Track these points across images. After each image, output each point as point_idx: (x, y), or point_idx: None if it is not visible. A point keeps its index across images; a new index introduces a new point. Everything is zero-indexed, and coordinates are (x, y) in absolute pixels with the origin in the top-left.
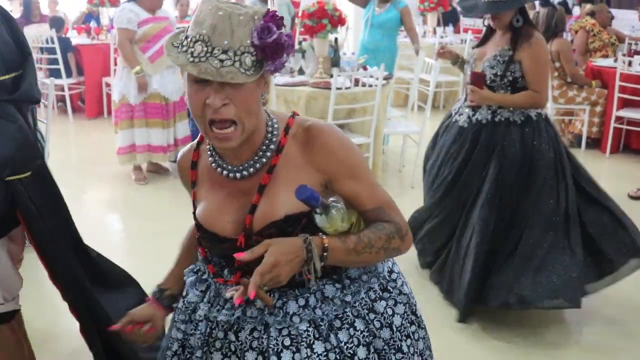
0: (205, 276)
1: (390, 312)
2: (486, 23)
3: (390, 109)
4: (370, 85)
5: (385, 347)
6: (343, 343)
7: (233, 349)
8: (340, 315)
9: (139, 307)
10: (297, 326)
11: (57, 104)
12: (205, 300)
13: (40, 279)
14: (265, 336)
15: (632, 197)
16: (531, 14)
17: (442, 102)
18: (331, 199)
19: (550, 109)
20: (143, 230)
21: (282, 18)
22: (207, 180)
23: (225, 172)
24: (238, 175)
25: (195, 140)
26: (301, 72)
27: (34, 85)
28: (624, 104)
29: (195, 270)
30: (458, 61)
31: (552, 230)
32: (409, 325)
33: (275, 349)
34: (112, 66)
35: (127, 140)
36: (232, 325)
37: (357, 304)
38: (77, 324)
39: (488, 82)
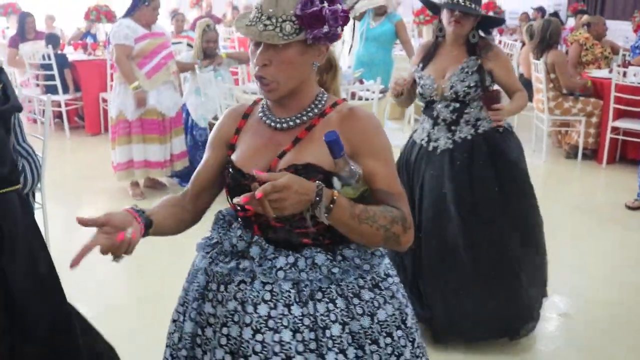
0: (214, 234)
1: (376, 304)
2: (447, 29)
3: (387, 122)
4: (367, 99)
5: (361, 333)
6: (319, 314)
7: (220, 298)
8: (324, 289)
9: (115, 212)
10: (280, 284)
11: (54, 120)
12: (208, 256)
13: None
14: (249, 288)
15: (629, 208)
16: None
17: None
18: (352, 162)
19: (546, 121)
20: (140, 245)
21: None
22: (252, 131)
23: (269, 122)
24: (279, 125)
25: (252, 100)
26: None
27: (15, 94)
28: (620, 114)
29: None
30: (402, 94)
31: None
32: (394, 328)
33: (254, 301)
34: (109, 82)
35: (125, 156)
36: (224, 277)
37: (343, 283)
38: None
39: (462, 96)
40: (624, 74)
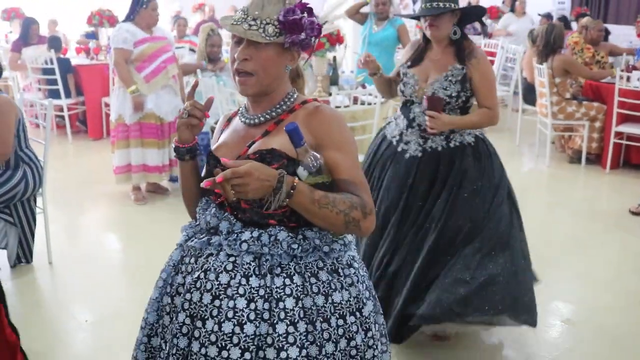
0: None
1: (333, 287)
2: (426, 34)
3: None
4: (369, 104)
5: (314, 309)
6: (275, 287)
7: (190, 270)
8: (283, 265)
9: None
10: (243, 257)
11: (55, 124)
12: (185, 232)
13: (39, 301)
14: (214, 259)
15: (633, 213)
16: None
17: None
18: (313, 152)
19: (549, 125)
20: (141, 250)
21: (311, 8)
22: (230, 129)
23: (243, 119)
24: (250, 121)
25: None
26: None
27: None
28: (623, 119)
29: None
30: (377, 73)
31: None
32: (348, 313)
33: (217, 270)
34: (111, 86)
35: (124, 160)
36: (197, 250)
37: (302, 262)
38: (75, 347)
39: (442, 103)
40: (628, 79)
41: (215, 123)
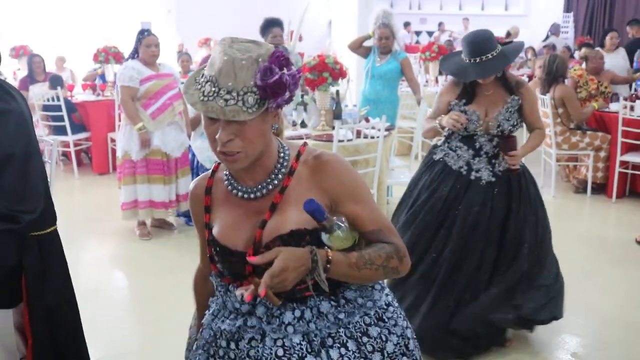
0: (215, 290)
1: (384, 338)
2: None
3: (394, 159)
4: (373, 137)
5: None
6: None
7: (233, 356)
8: (333, 334)
9: None
10: (291, 338)
11: (61, 159)
12: (210, 311)
13: None
14: (261, 345)
15: (639, 243)
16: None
17: None
18: (335, 217)
19: (554, 155)
20: (146, 287)
21: (287, 59)
22: (222, 204)
23: (240, 194)
24: (252, 195)
25: (210, 170)
26: (303, 125)
27: None
28: (628, 148)
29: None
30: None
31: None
32: (400, 356)
33: (269, 358)
34: (117, 122)
35: (130, 195)
36: (233, 334)
37: (350, 325)
38: None
39: (507, 132)
40: (632, 108)
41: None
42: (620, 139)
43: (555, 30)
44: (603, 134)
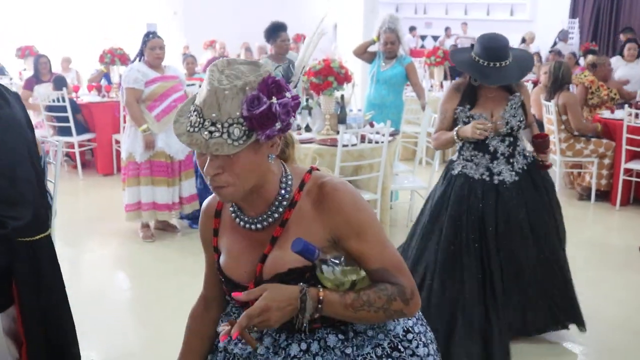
0: (228, 309)
1: None
2: (472, 83)
3: (398, 164)
4: (377, 142)
5: None
6: None
7: None
8: None
9: None
10: None
11: (64, 159)
12: (220, 326)
13: None
14: None
15: None
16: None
17: (450, 155)
18: (332, 256)
19: (558, 162)
20: (149, 289)
21: (279, 85)
22: (228, 229)
23: (242, 223)
24: (253, 227)
25: None
26: (308, 129)
27: None
28: (633, 155)
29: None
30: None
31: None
32: None
33: None
34: (121, 123)
35: (134, 197)
36: (244, 359)
37: (359, 358)
38: None
39: (515, 129)
40: (637, 115)
41: None
42: (624, 147)
43: (563, 36)
44: (607, 141)
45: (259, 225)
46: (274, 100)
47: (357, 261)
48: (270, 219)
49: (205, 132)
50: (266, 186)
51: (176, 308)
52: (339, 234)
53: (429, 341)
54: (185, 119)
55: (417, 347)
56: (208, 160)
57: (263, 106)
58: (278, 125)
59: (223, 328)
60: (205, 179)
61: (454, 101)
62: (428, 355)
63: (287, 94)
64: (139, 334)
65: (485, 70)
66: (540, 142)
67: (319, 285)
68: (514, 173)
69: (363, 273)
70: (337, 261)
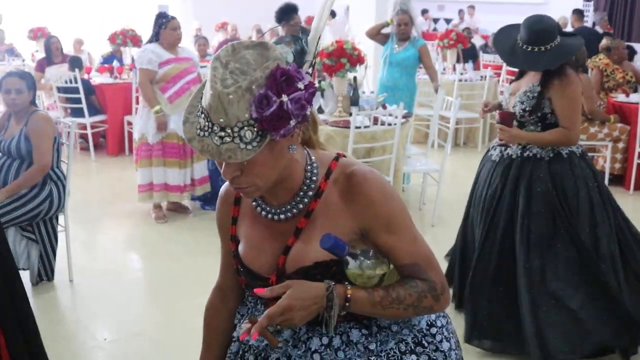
0: (245, 300)
1: None
2: None
3: (410, 147)
4: (390, 124)
5: None
6: None
7: None
8: None
9: None
10: None
11: (78, 142)
12: (242, 322)
13: (60, 319)
14: None
15: None
16: None
17: (463, 139)
18: (360, 250)
19: None
20: (161, 269)
21: (289, 77)
22: (248, 217)
23: (264, 213)
24: (276, 217)
25: None
26: (320, 110)
27: None
28: None
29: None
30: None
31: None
32: None
33: None
34: (133, 105)
35: (146, 178)
36: (261, 351)
37: (383, 354)
38: None
39: (518, 116)
40: None
41: None
42: (639, 130)
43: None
44: (622, 125)
45: (282, 216)
46: (284, 98)
47: (386, 256)
48: (295, 210)
49: (216, 138)
50: (291, 177)
51: (188, 289)
52: (368, 227)
53: (451, 335)
54: (195, 118)
55: (440, 341)
56: (224, 165)
57: (273, 106)
58: (293, 122)
59: (244, 326)
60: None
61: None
62: (450, 349)
63: (300, 85)
64: (151, 314)
65: (518, 52)
66: (499, 115)
67: (346, 282)
68: (499, 155)
69: (392, 266)
70: (366, 255)
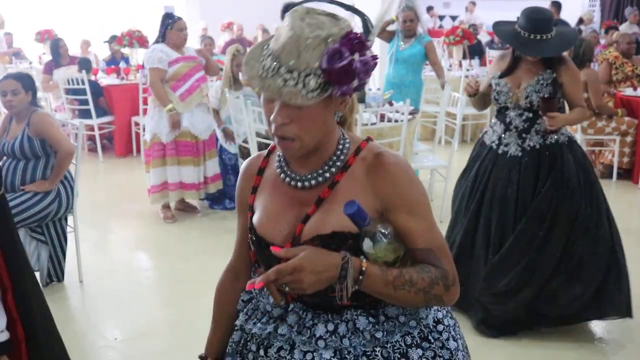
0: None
1: None
2: (516, 54)
3: (417, 143)
4: (396, 121)
5: None
6: None
7: None
8: (368, 353)
9: None
10: (322, 353)
11: (87, 143)
12: (244, 310)
13: (70, 319)
14: (289, 357)
15: None
16: None
17: (470, 135)
18: (380, 225)
19: (579, 140)
20: (171, 269)
21: (362, 42)
22: (269, 188)
23: (288, 180)
24: (300, 184)
25: (267, 149)
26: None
27: None
28: None
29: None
30: (476, 93)
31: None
32: None
33: None
34: (141, 106)
35: (159, 178)
36: (263, 339)
37: (388, 345)
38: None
39: (535, 106)
40: None
41: (244, 142)
42: None
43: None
44: (630, 118)
45: (306, 183)
46: (356, 56)
47: (402, 238)
48: (320, 178)
49: (280, 79)
50: (326, 145)
51: (198, 288)
52: (389, 206)
53: (458, 336)
54: (257, 62)
55: (447, 339)
56: (277, 108)
57: (345, 61)
58: (355, 83)
59: (251, 281)
60: (269, 128)
61: (494, 68)
62: (457, 349)
63: (368, 52)
64: (160, 313)
65: (524, 41)
66: (544, 103)
67: (362, 257)
68: (520, 149)
69: (404, 250)
70: (385, 232)
